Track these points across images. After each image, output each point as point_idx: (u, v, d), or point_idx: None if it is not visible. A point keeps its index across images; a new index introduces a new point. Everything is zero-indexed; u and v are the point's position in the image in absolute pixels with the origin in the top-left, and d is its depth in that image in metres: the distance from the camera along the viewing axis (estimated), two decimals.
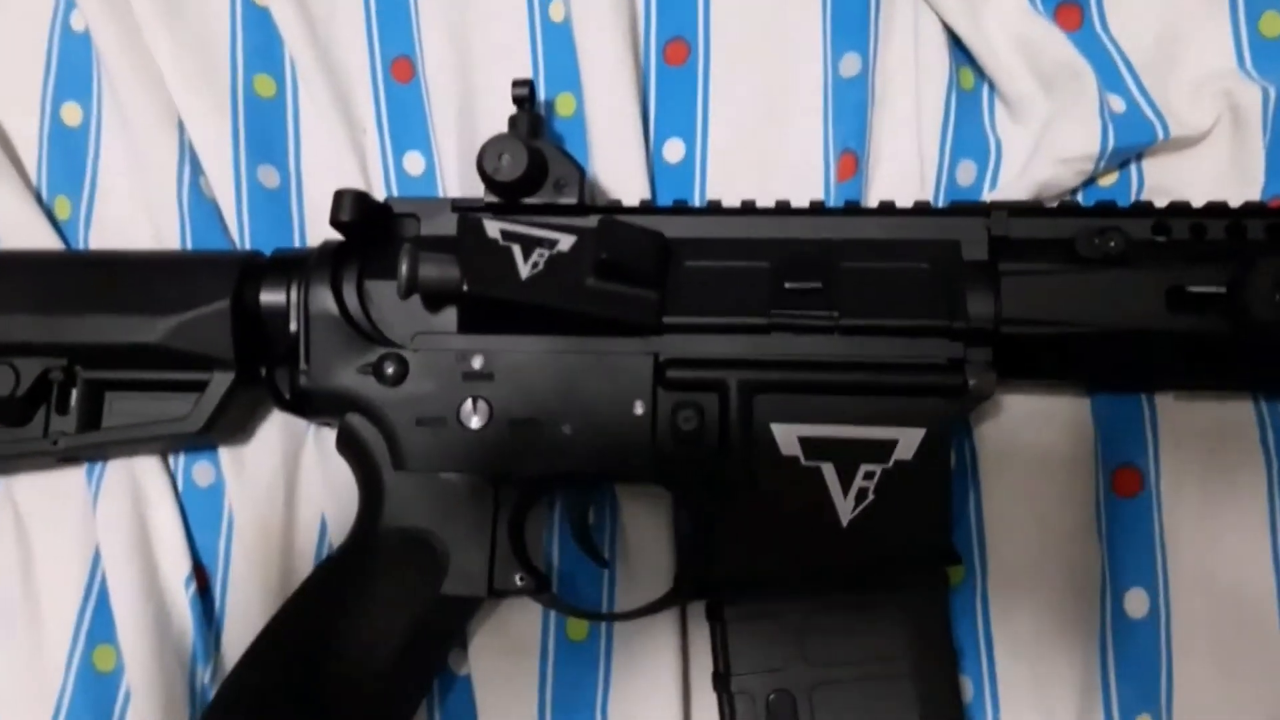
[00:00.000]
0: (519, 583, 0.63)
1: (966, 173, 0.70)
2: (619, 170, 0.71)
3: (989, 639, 0.65)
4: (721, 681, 0.61)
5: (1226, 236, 0.61)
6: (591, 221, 0.62)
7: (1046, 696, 0.64)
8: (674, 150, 0.73)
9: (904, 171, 0.69)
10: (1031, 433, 0.67)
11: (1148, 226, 0.62)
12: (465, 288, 0.59)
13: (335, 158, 0.74)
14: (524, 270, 0.60)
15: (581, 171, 0.65)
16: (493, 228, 0.61)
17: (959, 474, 0.67)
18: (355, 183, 0.73)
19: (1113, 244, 0.60)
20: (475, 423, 0.62)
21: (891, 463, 0.60)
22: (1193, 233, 0.62)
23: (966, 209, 0.64)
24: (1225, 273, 0.58)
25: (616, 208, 0.66)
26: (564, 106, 0.73)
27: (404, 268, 0.60)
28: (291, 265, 0.65)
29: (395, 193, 0.74)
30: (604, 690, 0.67)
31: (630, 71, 0.71)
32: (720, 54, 0.73)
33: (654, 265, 0.61)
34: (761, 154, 0.72)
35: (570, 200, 0.64)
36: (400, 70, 0.75)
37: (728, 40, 0.73)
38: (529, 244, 0.61)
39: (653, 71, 0.74)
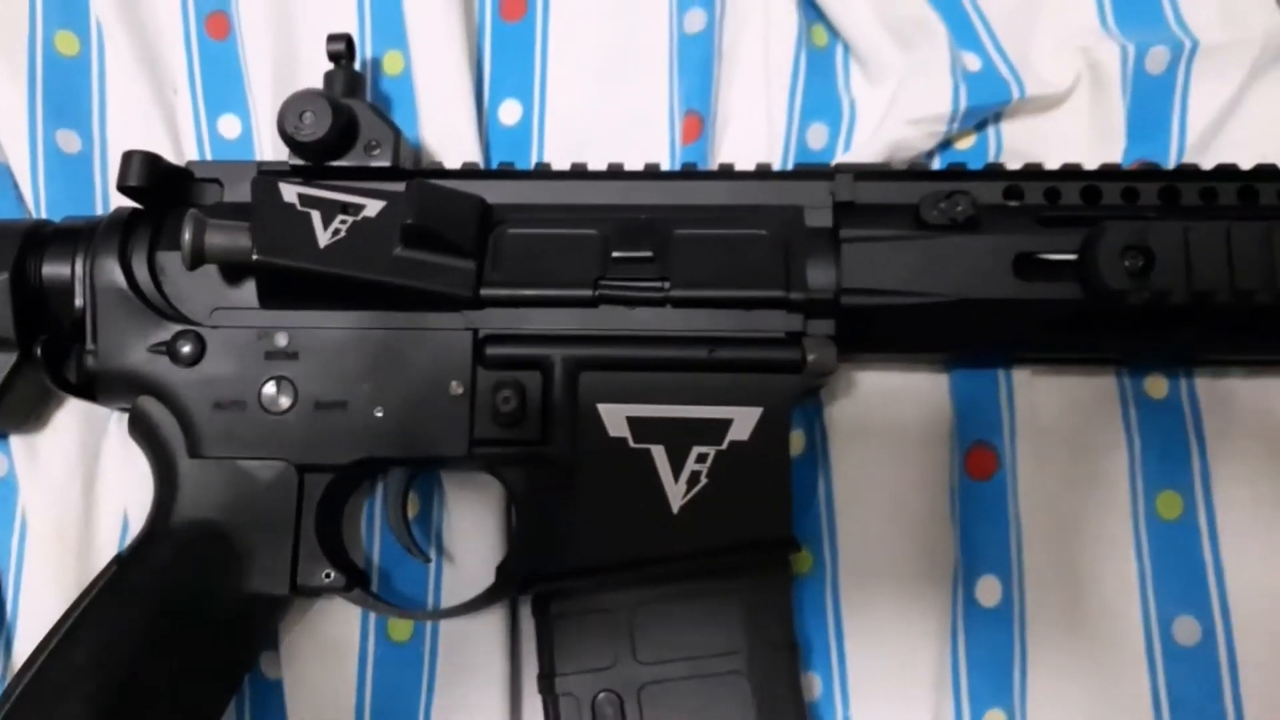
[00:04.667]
0: (326, 579, 0.58)
1: (818, 135, 0.67)
2: (448, 132, 0.66)
3: (840, 631, 0.61)
4: (546, 683, 0.57)
5: (1082, 201, 0.58)
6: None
7: (899, 691, 0.60)
8: (510, 112, 0.69)
9: (752, 133, 0.66)
10: (886, 410, 0.63)
11: (999, 190, 0.58)
12: (254, 256, 0.55)
13: (143, 120, 0.69)
14: (323, 238, 0.56)
15: (396, 132, 0.60)
16: (289, 192, 0.57)
17: (808, 455, 0.63)
18: (164, 147, 0.68)
19: (959, 208, 0.56)
20: (278, 405, 0.58)
21: (726, 444, 0.56)
22: (1047, 197, 0.58)
23: (809, 172, 0.60)
24: (1078, 239, 0.55)
25: (436, 171, 0.61)
26: (392, 65, 0.68)
27: (186, 235, 0.55)
28: (79, 235, 0.60)
29: (209, 157, 0.69)
30: (428, 694, 0.62)
31: (461, 28, 0.66)
32: (561, 9, 0.69)
33: (471, 232, 0.57)
34: (603, 115, 0.68)
35: (383, 163, 0.60)
36: (215, 26, 0.70)
37: None
38: (330, 209, 0.57)
39: (488, 28, 0.69)
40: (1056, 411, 0.62)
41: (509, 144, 0.68)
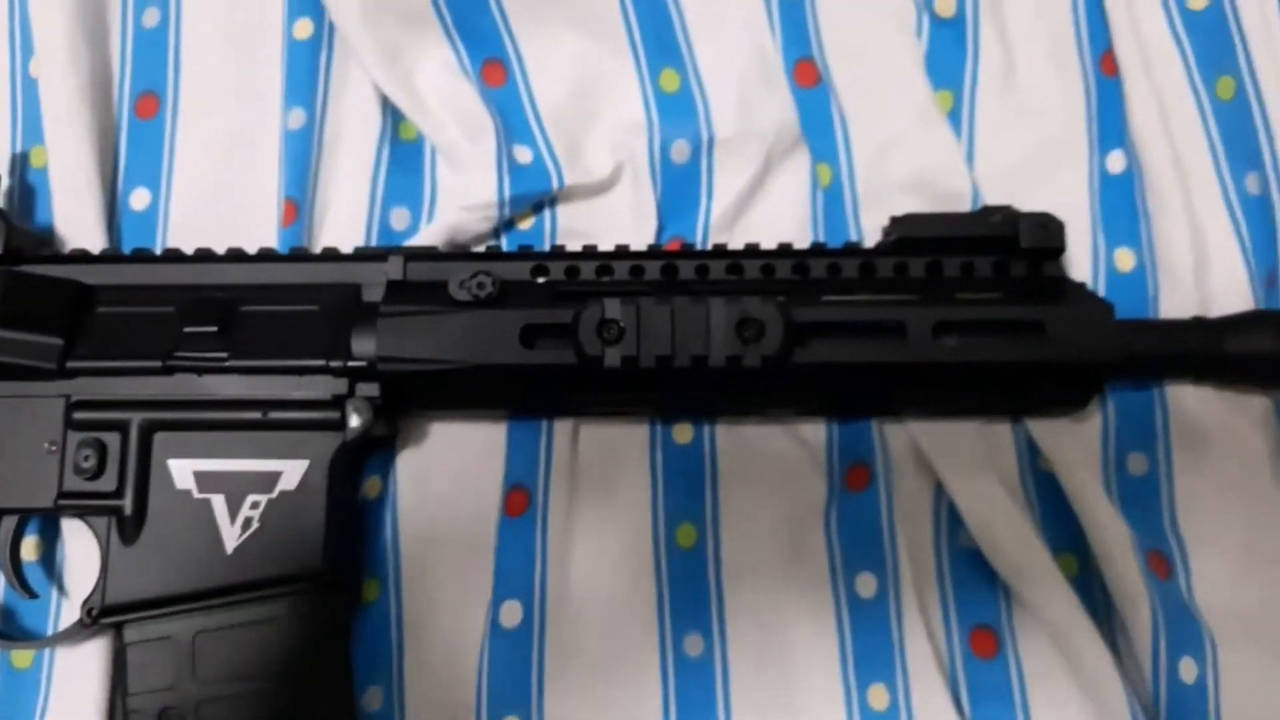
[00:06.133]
0: None
1: (400, 219, 0.76)
2: (77, 219, 0.74)
3: (401, 651, 0.70)
4: (122, 703, 0.65)
5: (596, 277, 0.68)
6: None
7: (444, 705, 0.69)
8: (140, 199, 0.77)
9: (343, 217, 0.75)
10: (449, 457, 0.72)
11: (527, 269, 0.68)
12: None
13: None
14: None
15: (7, 222, 0.69)
16: None
17: (382, 497, 0.72)
18: None
19: (480, 286, 0.66)
20: None
21: (276, 493, 0.65)
22: (567, 274, 0.68)
23: (368, 254, 0.69)
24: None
25: (46, 256, 0.70)
26: (37, 159, 0.77)
27: None
28: None
29: None
30: (41, 718, 0.70)
31: (88, 123, 0.75)
32: (188, 108, 0.78)
33: (60, 312, 0.66)
34: (220, 201, 0.77)
35: None
36: None
37: (195, 94, 0.78)
38: None
39: (124, 124, 0.78)
40: (592, 455, 0.71)
41: (138, 228, 0.76)
